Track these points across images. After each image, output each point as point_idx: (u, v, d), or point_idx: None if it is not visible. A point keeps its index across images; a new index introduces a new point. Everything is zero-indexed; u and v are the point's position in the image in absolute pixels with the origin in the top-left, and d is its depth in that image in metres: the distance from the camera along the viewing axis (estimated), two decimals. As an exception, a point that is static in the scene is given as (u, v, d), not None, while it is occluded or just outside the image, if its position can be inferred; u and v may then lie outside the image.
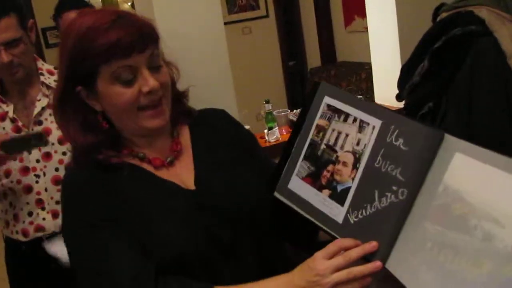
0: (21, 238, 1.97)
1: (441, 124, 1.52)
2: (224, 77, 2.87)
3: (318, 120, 1.15)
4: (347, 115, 1.09)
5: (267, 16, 6.48)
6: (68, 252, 1.14)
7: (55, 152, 1.94)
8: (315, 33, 6.44)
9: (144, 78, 1.09)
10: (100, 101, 1.13)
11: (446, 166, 0.95)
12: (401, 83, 1.69)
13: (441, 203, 0.94)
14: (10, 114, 1.90)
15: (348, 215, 1.05)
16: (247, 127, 3.18)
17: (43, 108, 1.93)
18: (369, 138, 1.04)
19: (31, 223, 1.94)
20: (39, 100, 1.94)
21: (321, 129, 1.14)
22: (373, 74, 3.57)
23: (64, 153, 1.95)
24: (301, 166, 1.16)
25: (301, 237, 1.31)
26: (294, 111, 3.43)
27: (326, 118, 1.13)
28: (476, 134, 1.43)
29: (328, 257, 1.02)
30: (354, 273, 0.99)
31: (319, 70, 6.02)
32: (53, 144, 1.93)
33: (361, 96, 3.40)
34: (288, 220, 1.23)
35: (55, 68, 2.02)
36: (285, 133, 3.21)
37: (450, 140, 0.96)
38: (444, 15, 1.61)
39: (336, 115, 1.11)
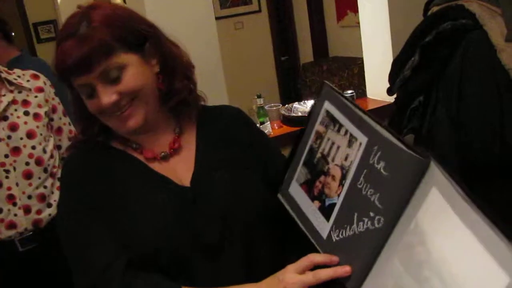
0: None
1: (431, 118, 1.53)
2: (215, 72, 2.87)
3: (317, 126, 1.13)
4: (340, 126, 1.06)
5: (259, 11, 6.46)
6: (57, 227, 1.18)
7: (24, 146, 1.91)
8: (308, 28, 6.43)
9: (98, 94, 1.10)
10: None
11: (421, 202, 0.89)
12: (392, 77, 1.69)
13: (408, 241, 0.90)
14: None
15: (331, 232, 1.04)
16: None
17: (8, 103, 1.91)
18: (355, 155, 1.00)
19: (1, 220, 1.89)
20: (3, 95, 1.91)
21: (319, 136, 1.12)
22: (365, 68, 3.58)
23: (33, 147, 1.92)
24: (300, 171, 1.16)
25: (299, 245, 1.26)
26: (286, 105, 3.43)
27: (324, 125, 1.11)
28: (465, 128, 1.44)
29: (299, 271, 1.02)
30: None
31: (311, 65, 6.01)
32: (21, 138, 1.91)
33: (352, 92, 3.41)
34: (288, 225, 1.23)
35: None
36: (276, 127, 3.21)
37: (433, 170, 0.88)
38: (435, 9, 1.61)
39: (332, 124, 1.08)
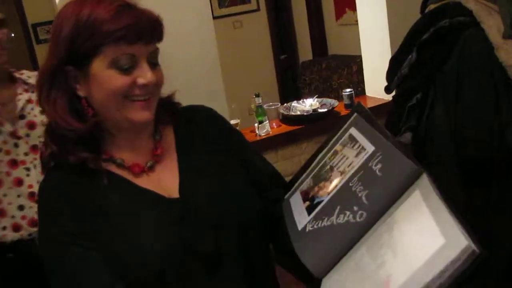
0: (9, 234, 1.91)
1: (429, 115, 1.52)
2: (213, 71, 2.87)
3: (337, 146, 1.17)
4: (356, 142, 1.10)
5: (258, 10, 6.46)
6: (43, 260, 1.10)
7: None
8: (306, 27, 6.43)
9: (142, 70, 1.07)
10: (88, 85, 1.08)
11: (403, 202, 0.93)
12: (389, 75, 1.69)
13: (380, 231, 0.93)
14: None
15: (307, 224, 1.06)
16: (236, 121, 3.19)
17: (25, 102, 1.94)
18: (358, 162, 1.04)
19: (24, 217, 1.92)
20: (20, 94, 1.94)
21: (334, 153, 1.16)
22: (363, 66, 3.57)
23: None
24: (306, 182, 1.19)
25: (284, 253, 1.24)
26: (285, 104, 3.42)
27: (343, 144, 1.15)
28: (463, 126, 1.44)
29: None
30: None
31: (310, 63, 6.01)
32: (39, 136, 1.92)
33: (350, 90, 3.40)
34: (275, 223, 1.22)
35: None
36: (275, 126, 3.21)
37: (423, 179, 0.93)
38: (432, 6, 1.61)
39: (349, 142, 1.13)
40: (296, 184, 1.22)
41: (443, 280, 0.75)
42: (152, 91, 1.11)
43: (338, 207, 1.01)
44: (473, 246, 0.73)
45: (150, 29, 1.07)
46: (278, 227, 1.15)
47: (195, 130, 1.26)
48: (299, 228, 1.07)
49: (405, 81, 1.62)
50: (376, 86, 3.42)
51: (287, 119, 3.27)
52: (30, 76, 2.03)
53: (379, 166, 0.98)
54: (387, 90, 1.73)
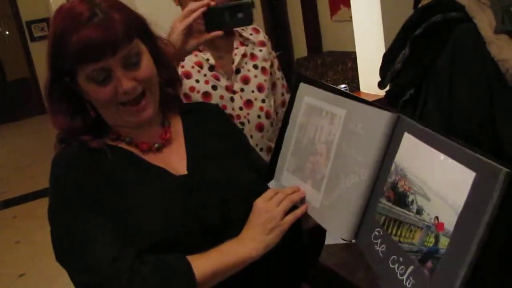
0: None
1: (422, 110, 1.53)
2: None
3: (300, 118, 1.22)
4: (321, 110, 1.15)
5: (252, 6, 6.46)
6: (51, 231, 1.13)
7: (255, 99, 1.93)
8: (301, 23, 6.44)
9: (118, 79, 1.09)
10: (84, 93, 1.14)
11: (397, 146, 1.00)
12: (383, 71, 1.69)
13: (391, 181, 1.00)
14: (211, 61, 1.89)
15: (323, 200, 1.12)
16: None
17: (241, 56, 1.93)
18: (337, 127, 1.10)
19: None
20: (237, 49, 1.93)
21: (303, 126, 1.21)
22: (357, 63, 3.58)
23: (263, 101, 1.95)
24: (290, 161, 1.24)
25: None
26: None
27: (307, 115, 1.20)
28: (455, 121, 1.44)
29: (268, 200, 1.14)
30: (293, 198, 1.14)
31: (305, 60, 6.01)
32: (252, 91, 1.93)
33: (345, 86, 3.41)
34: None
35: None
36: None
37: (404, 121, 1.00)
38: (425, 2, 1.62)
39: (314, 111, 1.18)
40: (278, 168, 1.27)
41: (491, 208, 0.76)
42: (146, 88, 1.14)
43: (342, 175, 1.07)
44: (504, 168, 0.76)
45: (112, 41, 1.07)
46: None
47: (202, 120, 1.33)
48: (317, 206, 1.14)
49: (398, 77, 1.63)
50: (370, 82, 3.44)
51: (282, 115, 3.27)
52: (244, 29, 2.01)
53: (359, 125, 1.05)
54: (381, 85, 1.73)
